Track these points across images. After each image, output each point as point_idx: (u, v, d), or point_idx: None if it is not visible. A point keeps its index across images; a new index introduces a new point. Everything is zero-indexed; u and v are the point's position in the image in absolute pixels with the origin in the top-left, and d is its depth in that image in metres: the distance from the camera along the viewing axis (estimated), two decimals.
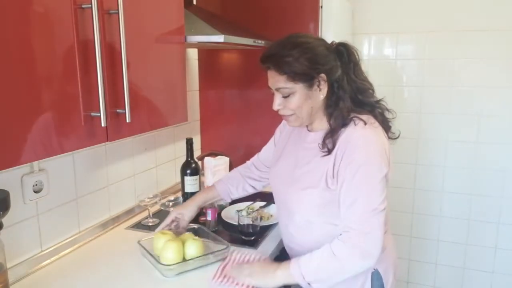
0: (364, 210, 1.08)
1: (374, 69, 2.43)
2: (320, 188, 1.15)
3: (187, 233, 1.39)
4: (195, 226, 1.47)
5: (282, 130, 1.44)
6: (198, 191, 1.71)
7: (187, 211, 1.44)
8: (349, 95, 1.16)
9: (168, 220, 1.43)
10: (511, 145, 2.27)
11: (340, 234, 1.11)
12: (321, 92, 1.15)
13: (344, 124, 1.14)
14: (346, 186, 1.10)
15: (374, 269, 1.21)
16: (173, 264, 1.22)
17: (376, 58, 2.44)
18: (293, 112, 1.17)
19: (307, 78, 1.12)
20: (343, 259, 1.08)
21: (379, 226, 1.08)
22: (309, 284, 1.10)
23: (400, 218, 2.52)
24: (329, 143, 1.14)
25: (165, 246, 1.25)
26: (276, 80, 1.14)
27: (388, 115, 1.22)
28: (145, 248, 1.30)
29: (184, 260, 1.25)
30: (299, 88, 1.13)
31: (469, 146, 2.34)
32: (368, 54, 2.44)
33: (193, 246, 1.28)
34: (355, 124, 1.13)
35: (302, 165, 1.23)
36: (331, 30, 1.91)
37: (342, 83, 1.15)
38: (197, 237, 1.34)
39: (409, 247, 2.56)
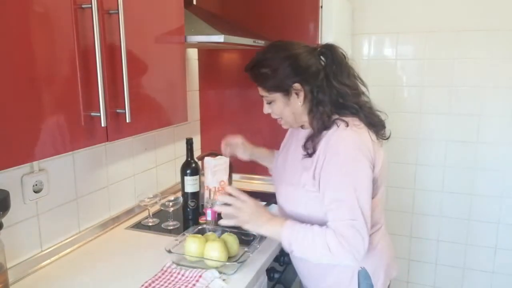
0: (350, 209, 1.10)
1: (374, 69, 2.43)
2: (303, 186, 1.20)
3: (209, 233, 1.40)
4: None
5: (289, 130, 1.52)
6: (198, 191, 1.71)
7: (244, 144, 1.55)
8: (329, 98, 1.18)
9: (228, 140, 1.56)
10: (511, 145, 2.27)
11: (333, 229, 1.12)
12: (298, 99, 1.20)
13: (327, 127, 1.17)
14: (330, 186, 1.13)
15: (361, 267, 1.22)
16: (239, 258, 1.26)
17: (376, 58, 2.43)
18: (279, 116, 1.27)
19: (282, 89, 1.20)
20: (334, 253, 1.10)
21: (366, 224, 1.11)
22: (290, 251, 1.17)
23: (400, 218, 2.52)
24: (309, 147, 1.18)
25: (210, 246, 1.26)
26: (259, 89, 1.25)
27: (374, 118, 1.23)
28: (180, 253, 1.30)
29: (229, 257, 1.28)
30: (277, 97, 1.22)
31: (469, 146, 2.34)
32: (368, 54, 2.44)
33: (235, 243, 1.33)
34: (337, 126, 1.16)
35: (291, 162, 1.30)
36: (331, 30, 1.91)
37: (322, 87, 1.18)
38: (232, 233, 1.37)
39: (409, 247, 2.56)
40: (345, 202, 1.11)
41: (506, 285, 2.41)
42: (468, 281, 2.49)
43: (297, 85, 1.18)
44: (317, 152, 1.16)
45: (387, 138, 1.25)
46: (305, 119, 1.24)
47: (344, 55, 1.23)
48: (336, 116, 1.18)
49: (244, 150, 1.55)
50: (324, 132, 1.16)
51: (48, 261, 1.33)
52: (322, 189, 1.15)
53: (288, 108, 1.22)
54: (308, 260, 1.19)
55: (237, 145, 1.54)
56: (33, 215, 1.29)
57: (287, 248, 1.17)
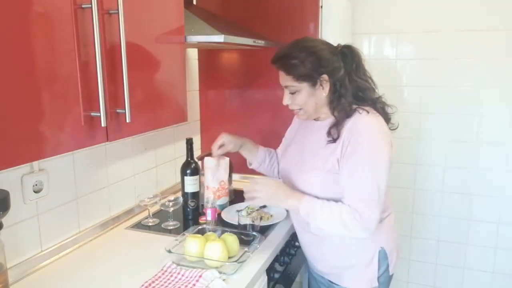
0: (371, 187, 1.21)
1: (374, 69, 2.39)
2: (325, 170, 1.28)
3: (209, 233, 1.40)
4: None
5: (293, 125, 1.59)
6: (198, 191, 1.71)
7: (234, 139, 1.56)
8: (350, 92, 1.29)
9: (218, 142, 1.54)
10: (511, 145, 2.27)
11: (348, 205, 1.22)
12: (323, 90, 1.28)
13: (349, 115, 1.27)
14: (353, 164, 1.22)
15: (381, 247, 1.34)
16: (239, 258, 1.27)
17: (376, 58, 2.43)
18: (300, 107, 1.32)
19: (310, 79, 1.26)
20: (348, 228, 1.22)
21: (380, 202, 1.22)
22: (307, 223, 1.30)
23: (400, 218, 2.52)
24: (334, 133, 1.27)
25: (210, 246, 1.26)
26: (284, 79, 1.30)
27: (388, 109, 1.36)
28: (180, 253, 1.30)
29: (229, 257, 1.29)
30: (303, 87, 1.28)
31: (469, 146, 2.34)
32: (368, 54, 2.44)
33: (235, 243, 1.33)
34: (359, 113, 1.26)
35: (309, 150, 1.36)
36: (331, 30, 1.91)
37: (344, 82, 1.28)
38: (232, 233, 1.38)
39: (409, 247, 2.56)
40: (363, 180, 1.21)
41: (506, 285, 2.41)
42: (468, 281, 2.49)
43: (325, 76, 1.26)
44: (342, 137, 1.25)
45: (395, 129, 1.36)
46: (324, 110, 1.33)
47: (359, 54, 1.34)
48: (356, 106, 1.29)
49: (235, 145, 1.57)
50: (347, 119, 1.26)
51: (48, 261, 1.33)
52: (343, 168, 1.24)
53: (312, 99, 1.29)
54: (324, 233, 1.31)
55: (227, 144, 1.55)
56: (33, 215, 1.29)
57: (305, 218, 1.27)
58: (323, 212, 1.23)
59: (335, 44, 1.35)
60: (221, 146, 1.55)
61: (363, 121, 1.25)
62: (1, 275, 1.03)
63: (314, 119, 1.38)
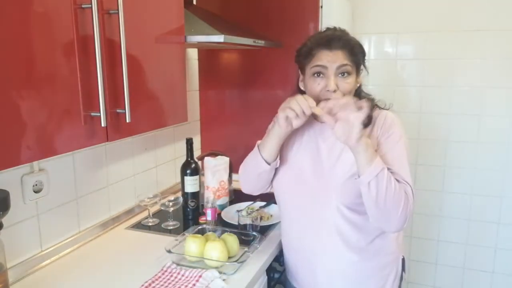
0: (408, 172, 1.18)
1: (374, 69, 2.42)
2: (352, 175, 1.17)
3: (209, 233, 1.40)
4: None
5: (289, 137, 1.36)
6: (198, 191, 1.71)
7: None
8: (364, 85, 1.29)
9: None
10: (511, 145, 2.27)
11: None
12: (358, 78, 1.25)
13: (372, 106, 1.24)
14: (393, 151, 1.19)
15: (402, 256, 1.34)
16: (239, 258, 1.27)
17: (376, 58, 2.43)
18: (348, 92, 1.19)
19: (359, 64, 1.25)
20: (409, 202, 1.13)
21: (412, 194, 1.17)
22: (368, 182, 1.08)
23: None
24: (370, 116, 1.20)
25: (210, 246, 1.26)
26: (340, 57, 1.18)
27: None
28: (180, 253, 1.30)
29: (229, 257, 1.29)
30: (354, 71, 1.22)
31: (469, 146, 2.34)
32: (368, 54, 2.43)
33: (235, 243, 1.33)
34: (379, 109, 1.27)
35: (332, 157, 1.23)
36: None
37: (361, 78, 1.28)
38: (232, 233, 1.37)
39: (409, 247, 2.56)
40: (406, 169, 1.18)
41: (506, 285, 2.41)
42: (468, 281, 2.49)
43: (361, 66, 1.26)
44: (374, 130, 1.22)
45: None
46: None
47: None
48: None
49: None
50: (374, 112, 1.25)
51: (48, 261, 1.33)
52: (383, 156, 1.15)
53: (354, 85, 1.22)
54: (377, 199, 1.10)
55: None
56: (33, 215, 1.29)
57: (371, 175, 1.07)
58: (387, 176, 1.09)
59: None
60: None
61: (391, 115, 1.25)
62: (1, 275, 1.03)
63: (320, 121, 1.23)
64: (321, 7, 1.89)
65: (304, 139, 1.31)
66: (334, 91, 1.17)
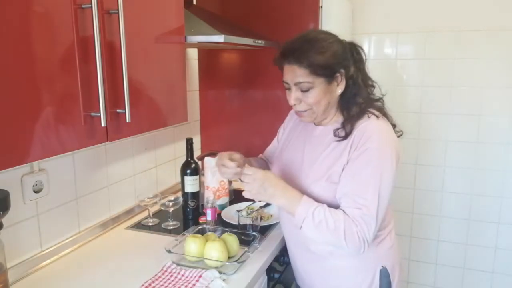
0: (371, 195, 1.11)
1: (374, 69, 2.40)
2: (330, 180, 1.17)
3: (209, 233, 1.40)
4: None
5: (286, 126, 1.46)
6: (198, 191, 1.71)
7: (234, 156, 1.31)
8: (364, 91, 1.20)
9: (225, 154, 1.29)
10: (511, 145, 2.27)
11: (345, 211, 1.12)
12: (339, 87, 1.18)
13: (360, 116, 1.18)
14: (357, 167, 1.13)
15: (382, 266, 1.24)
16: (239, 258, 1.26)
17: (376, 58, 2.44)
18: (309, 107, 1.18)
19: (329, 73, 1.14)
20: (346, 238, 1.10)
21: (379, 216, 1.11)
22: (299, 227, 1.14)
23: (400, 218, 2.52)
24: (348, 129, 1.17)
25: (209, 246, 1.26)
26: (296, 75, 1.15)
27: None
28: (180, 253, 1.30)
29: (229, 257, 1.28)
30: (319, 83, 1.14)
31: (469, 146, 2.34)
32: (368, 54, 2.44)
33: (235, 243, 1.32)
34: (368, 117, 1.18)
35: (310, 158, 1.25)
36: (331, 30, 1.91)
37: (356, 80, 1.19)
38: (232, 233, 1.37)
39: (409, 247, 2.56)
40: (368, 193, 1.11)
41: (506, 285, 2.41)
42: (468, 281, 2.49)
43: (342, 71, 1.16)
44: (350, 142, 1.16)
45: (401, 135, 1.26)
46: (332, 111, 1.23)
47: (364, 52, 1.25)
48: (367, 107, 1.20)
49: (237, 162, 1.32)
50: (358, 122, 1.17)
51: (48, 261, 1.33)
52: (345, 172, 1.14)
53: (326, 96, 1.16)
54: (315, 241, 1.20)
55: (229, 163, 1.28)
56: (33, 215, 1.29)
57: (298, 224, 1.14)
58: (323, 217, 1.11)
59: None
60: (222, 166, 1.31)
61: (373, 126, 1.15)
62: (1, 275, 1.03)
63: (315, 123, 1.28)
64: (321, 7, 1.89)
65: (295, 138, 1.35)
66: (295, 105, 1.19)
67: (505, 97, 2.24)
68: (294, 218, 1.15)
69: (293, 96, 1.18)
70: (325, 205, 1.14)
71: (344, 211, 1.12)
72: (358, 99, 1.19)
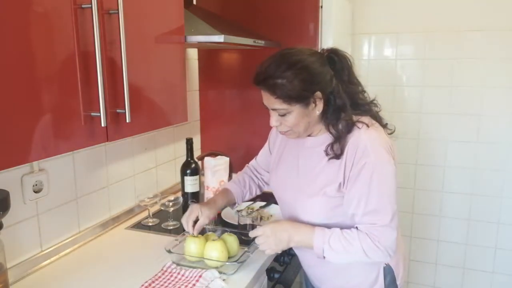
0: (384, 210, 1.12)
1: (374, 69, 2.43)
2: (327, 195, 1.17)
3: (209, 233, 1.40)
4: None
5: (275, 136, 1.43)
6: (198, 191, 1.71)
7: (210, 212, 1.37)
8: (348, 102, 1.15)
9: (193, 215, 1.34)
10: (511, 145, 2.27)
11: (365, 232, 1.13)
12: (316, 108, 1.14)
13: (349, 130, 1.15)
14: (362, 187, 1.12)
15: (385, 263, 1.26)
16: (239, 258, 1.26)
17: (376, 58, 2.43)
18: (289, 128, 1.17)
19: (303, 99, 1.11)
20: (369, 255, 1.12)
21: (395, 222, 1.14)
22: (322, 257, 1.15)
23: (400, 218, 2.49)
24: (337, 150, 1.15)
25: (209, 246, 1.26)
26: (271, 102, 1.13)
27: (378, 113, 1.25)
28: (180, 253, 1.31)
29: (229, 257, 1.29)
30: (295, 108, 1.12)
31: (469, 146, 2.34)
32: (368, 54, 2.44)
33: (235, 243, 1.33)
34: (359, 128, 1.14)
35: (305, 173, 1.24)
36: (331, 30, 1.91)
37: (339, 94, 1.14)
38: (232, 233, 1.37)
39: (409, 247, 2.56)
40: (379, 207, 1.12)
41: (506, 285, 2.41)
42: (468, 281, 2.49)
43: (318, 93, 1.12)
44: (344, 157, 1.14)
45: (392, 132, 1.24)
46: (318, 127, 1.21)
47: (347, 57, 1.20)
48: (355, 118, 1.16)
49: (212, 217, 1.39)
50: (348, 136, 1.15)
51: (48, 261, 1.33)
52: (350, 192, 1.14)
53: (305, 119, 1.14)
54: (340, 263, 1.21)
55: (204, 216, 1.35)
56: (33, 215, 1.29)
57: (319, 255, 1.15)
58: (339, 243, 1.12)
59: (333, 45, 1.22)
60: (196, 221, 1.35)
61: (365, 138, 1.12)
62: (1, 275, 1.03)
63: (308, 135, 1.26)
64: (321, 7, 1.89)
65: (288, 150, 1.33)
66: (277, 126, 1.19)
67: (505, 97, 2.24)
68: (314, 251, 1.16)
69: (273, 119, 1.18)
70: (337, 229, 1.14)
71: (358, 228, 1.14)
72: (343, 115, 1.15)
